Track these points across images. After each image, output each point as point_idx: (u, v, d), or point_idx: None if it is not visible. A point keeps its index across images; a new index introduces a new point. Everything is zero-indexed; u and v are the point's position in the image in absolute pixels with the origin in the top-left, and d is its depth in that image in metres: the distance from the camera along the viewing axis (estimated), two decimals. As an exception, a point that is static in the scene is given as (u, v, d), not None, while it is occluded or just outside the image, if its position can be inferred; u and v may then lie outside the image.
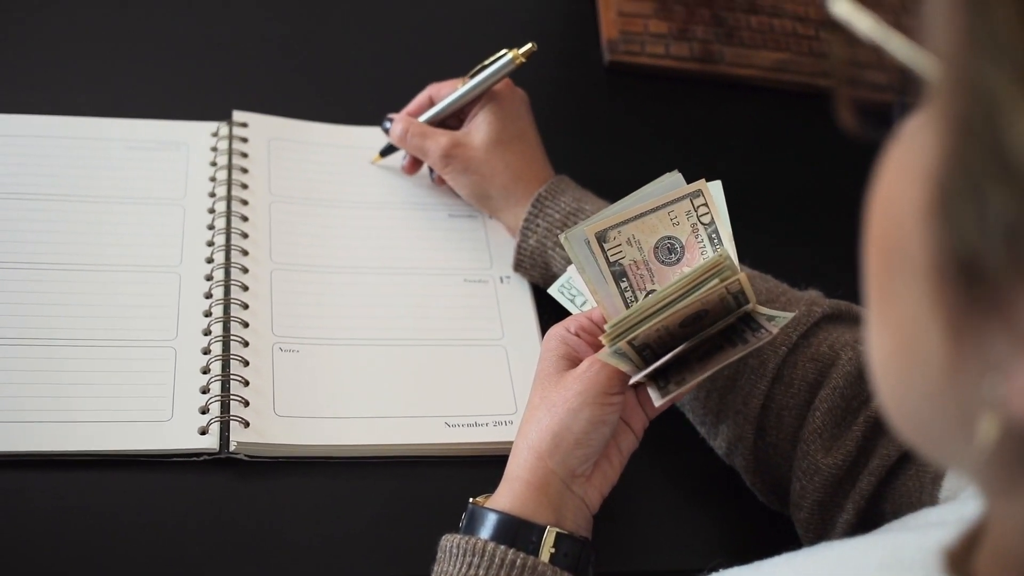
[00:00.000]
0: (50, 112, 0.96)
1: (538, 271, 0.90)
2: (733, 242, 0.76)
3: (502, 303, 0.91)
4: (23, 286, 0.83)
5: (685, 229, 0.76)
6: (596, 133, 1.12)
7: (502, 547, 0.67)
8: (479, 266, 0.93)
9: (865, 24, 0.39)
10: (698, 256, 0.76)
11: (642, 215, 0.75)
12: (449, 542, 0.69)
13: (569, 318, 0.78)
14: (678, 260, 0.76)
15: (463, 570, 0.67)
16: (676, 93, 1.18)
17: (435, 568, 0.70)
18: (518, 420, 0.82)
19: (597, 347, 0.74)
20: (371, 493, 0.79)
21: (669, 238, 0.76)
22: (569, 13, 1.24)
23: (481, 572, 0.67)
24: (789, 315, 0.73)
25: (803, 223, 1.07)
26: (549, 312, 0.90)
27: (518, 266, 0.91)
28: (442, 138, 0.93)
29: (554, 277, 0.85)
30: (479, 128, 0.92)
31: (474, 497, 0.73)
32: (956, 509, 0.56)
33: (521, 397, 0.84)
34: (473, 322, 0.89)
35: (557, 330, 0.77)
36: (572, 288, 0.81)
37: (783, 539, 0.83)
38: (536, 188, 0.90)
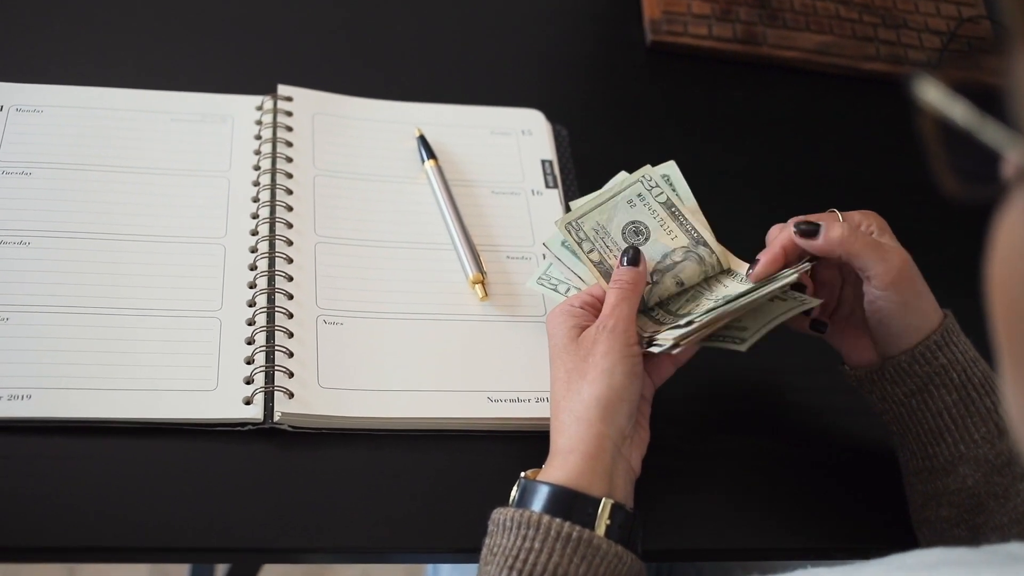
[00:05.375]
0: (97, 84, 0.96)
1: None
2: (701, 214, 0.84)
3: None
4: (70, 255, 0.84)
5: (644, 211, 0.83)
6: (637, 113, 1.12)
7: (557, 520, 0.67)
8: (522, 243, 0.93)
9: (958, 112, 0.39)
10: (664, 235, 0.83)
11: (599, 205, 0.83)
12: (502, 515, 0.69)
13: (570, 296, 0.81)
14: (646, 240, 0.83)
15: (518, 543, 0.67)
16: (718, 74, 1.18)
17: (487, 542, 0.70)
18: (561, 397, 0.83)
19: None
20: (413, 466, 0.80)
21: (633, 222, 0.83)
22: (612, -8, 1.23)
23: (536, 544, 0.67)
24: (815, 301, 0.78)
25: (844, 207, 1.06)
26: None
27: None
28: (900, 251, 0.78)
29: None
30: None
31: (525, 471, 0.73)
32: None
33: (563, 374, 0.85)
34: (515, 298, 0.89)
35: (561, 307, 0.79)
36: (552, 278, 0.85)
37: (837, 521, 0.84)
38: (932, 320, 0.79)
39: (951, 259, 1.00)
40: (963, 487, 0.76)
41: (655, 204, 0.83)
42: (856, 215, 0.80)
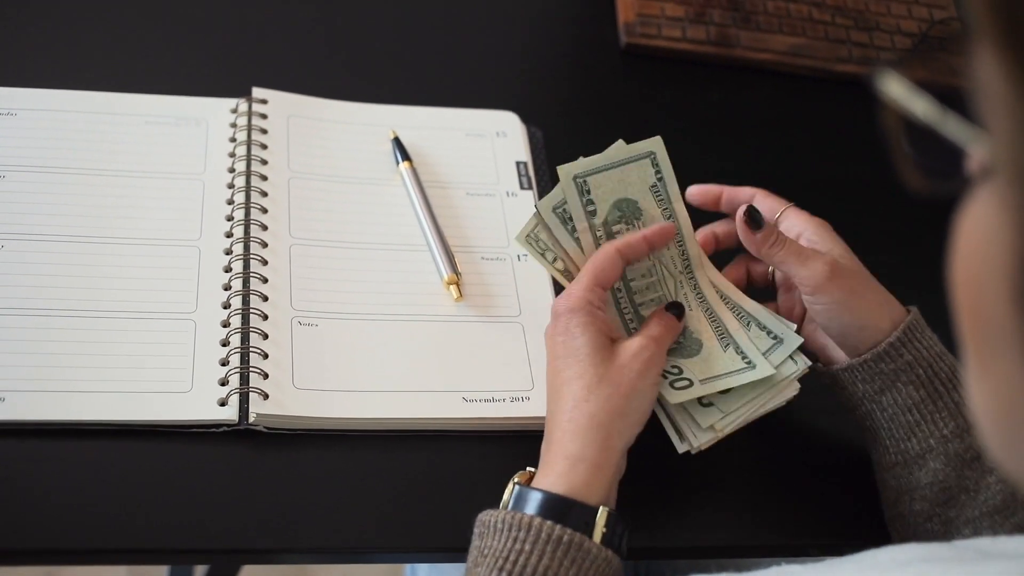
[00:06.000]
0: (72, 87, 0.96)
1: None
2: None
3: (519, 281, 0.91)
4: (45, 257, 0.84)
5: (642, 191, 0.82)
6: (612, 115, 1.13)
7: (548, 523, 0.67)
8: (496, 244, 0.93)
9: (920, 106, 0.39)
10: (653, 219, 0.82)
11: (603, 169, 0.81)
12: (493, 517, 0.69)
13: (581, 288, 0.77)
14: (638, 220, 0.82)
15: (508, 544, 0.67)
16: (692, 76, 1.19)
17: (476, 543, 0.70)
18: (534, 396, 0.83)
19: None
20: (388, 466, 0.80)
21: (627, 200, 0.82)
22: (586, -5, 1.24)
23: (527, 547, 0.67)
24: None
25: (817, 207, 1.07)
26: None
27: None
28: (822, 255, 0.79)
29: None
30: (843, 257, 0.80)
31: (518, 475, 0.73)
32: None
33: (538, 374, 0.85)
34: (491, 299, 0.89)
35: (581, 302, 0.76)
36: (541, 241, 0.81)
37: (812, 519, 0.84)
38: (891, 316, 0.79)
39: (923, 256, 1.01)
40: (934, 481, 0.77)
41: (655, 186, 0.82)
42: (793, 216, 0.83)
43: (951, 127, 0.38)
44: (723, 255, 0.88)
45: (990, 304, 0.37)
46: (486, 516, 0.70)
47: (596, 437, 0.72)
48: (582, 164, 0.80)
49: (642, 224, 0.81)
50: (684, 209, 0.83)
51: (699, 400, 0.79)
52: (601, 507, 0.69)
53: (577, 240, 0.80)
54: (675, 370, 0.80)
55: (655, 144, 0.82)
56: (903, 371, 0.77)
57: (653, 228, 0.80)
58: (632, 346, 0.76)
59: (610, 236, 0.80)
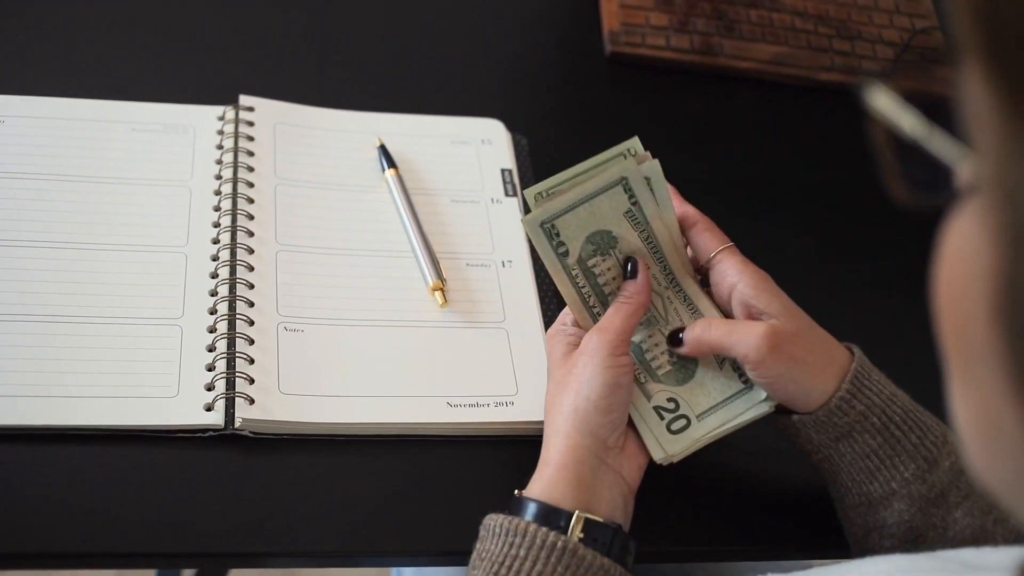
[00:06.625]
0: (58, 94, 0.97)
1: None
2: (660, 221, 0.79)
3: (504, 287, 0.92)
4: (32, 264, 0.84)
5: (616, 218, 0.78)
6: (596, 123, 1.13)
7: (544, 529, 0.68)
8: (481, 251, 0.94)
9: (907, 121, 0.39)
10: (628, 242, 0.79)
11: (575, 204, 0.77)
12: (493, 521, 0.70)
13: (561, 314, 0.81)
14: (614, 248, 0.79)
15: (504, 549, 0.68)
16: (676, 85, 1.19)
17: (477, 546, 0.71)
18: (519, 401, 0.84)
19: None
20: (373, 471, 0.81)
21: (600, 232, 0.78)
22: (571, 4, 1.25)
23: (522, 552, 0.68)
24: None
25: (800, 214, 1.08)
26: (550, 296, 0.92)
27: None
28: (758, 326, 0.74)
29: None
30: (780, 317, 0.75)
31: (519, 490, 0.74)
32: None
33: (522, 379, 0.86)
34: (475, 305, 0.90)
35: (555, 328, 0.80)
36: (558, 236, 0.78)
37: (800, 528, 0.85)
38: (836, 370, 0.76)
39: (905, 263, 1.02)
40: (900, 521, 0.75)
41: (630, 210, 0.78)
42: (727, 261, 0.78)
43: (937, 143, 0.38)
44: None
45: (971, 321, 0.37)
46: (489, 520, 0.71)
47: (556, 440, 0.73)
48: (546, 209, 0.76)
49: (618, 252, 0.78)
50: (664, 222, 0.79)
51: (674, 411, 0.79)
52: (577, 512, 0.70)
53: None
54: (671, 405, 0.79)
55: (625, 168, 0.77)
56: (857, 422, 0.75)
57: (639, 301, 0.77)
58: (580, 344, 0.76)
59: (586, 272, 0.78)
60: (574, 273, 0.78)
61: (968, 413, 0.40)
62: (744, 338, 0.74)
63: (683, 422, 0.79)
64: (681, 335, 0.78)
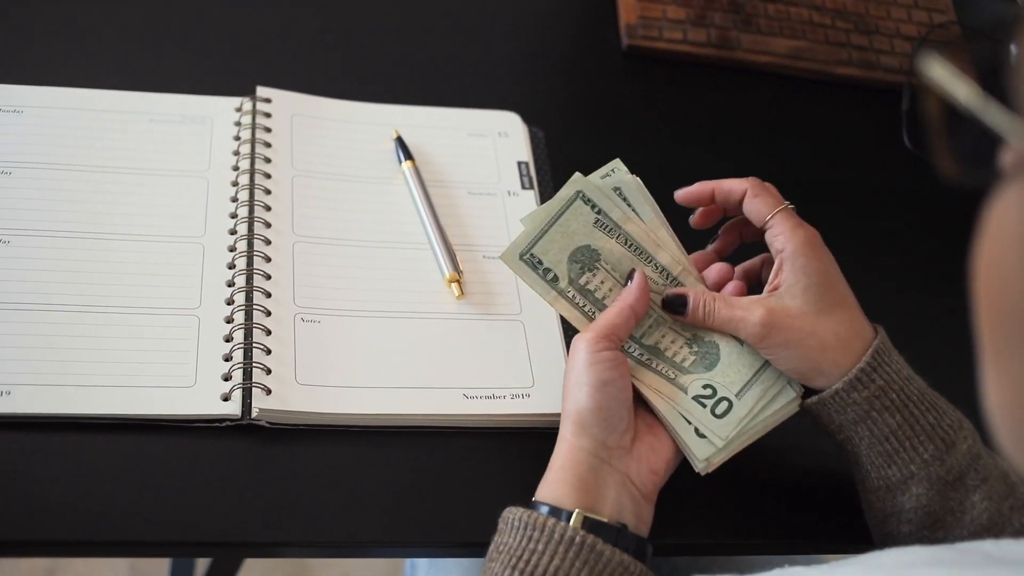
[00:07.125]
0: (76, 85, 0.97)
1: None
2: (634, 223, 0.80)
3: (520, 280, 0.92)
4: (50, 253, 0.84)
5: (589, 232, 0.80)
6: (612, 116, 1.13)
7: (562, 523, 0.69)
8: (498, 243, 0.94)
9: (962, 92, 0.38)
10: (616, 248, 0.80)
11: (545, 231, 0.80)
12: (513, 514, 0.71)
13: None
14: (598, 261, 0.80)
15: (523, 543, 0.68)
16: (693, 78, 1.19)
17: (495, 539, 0.71)
18: (534, 394, 0.84)
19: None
20: (389, 462, 0.81)
21: (581, 248, 0.80)
22: (588, -3, 1.25)
23: (540, 547, 0.68)
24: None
25: (816, 209, 1.08)
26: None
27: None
28: (756, 309, 0.76)
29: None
30: (794, 295, 0.76)
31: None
32: None
33: (538, 372, 0.86)
34: (492, 297, 0.90)
35: (580, 335, 0.78)
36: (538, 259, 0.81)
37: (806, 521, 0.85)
38: (861, 343, 0.77)
39: (920, 258, 1.02)
40: (918, 506, 0.76)
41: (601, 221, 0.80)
42: (779, 225, 0.78)
43: (992, 115, 0.37)
44: (746, 250, 0.86)
45: (1013, 298, 0.36)
46: (508, 512, 0.71)
47: (560, 446, 0.74)
48: (517, 244, 0.79)
49: (605, 263, 0.79)
50: (638, 225, 0.80)
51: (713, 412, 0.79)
52: (577, 511, 0.70)
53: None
54: (708, 391, 0.79)
55: (577, 182, 0.79)
56: (876, 397, 0.75)
57: (626, 301, 0.78)
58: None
59: (581, 291, 0.79)
60: (570, 295, 0.80)
61: (1002, 392, 0.39)
62: (740, 323, 0.77)
63: (725, 404, 0.79)
64: (683, 308, 0.79)
